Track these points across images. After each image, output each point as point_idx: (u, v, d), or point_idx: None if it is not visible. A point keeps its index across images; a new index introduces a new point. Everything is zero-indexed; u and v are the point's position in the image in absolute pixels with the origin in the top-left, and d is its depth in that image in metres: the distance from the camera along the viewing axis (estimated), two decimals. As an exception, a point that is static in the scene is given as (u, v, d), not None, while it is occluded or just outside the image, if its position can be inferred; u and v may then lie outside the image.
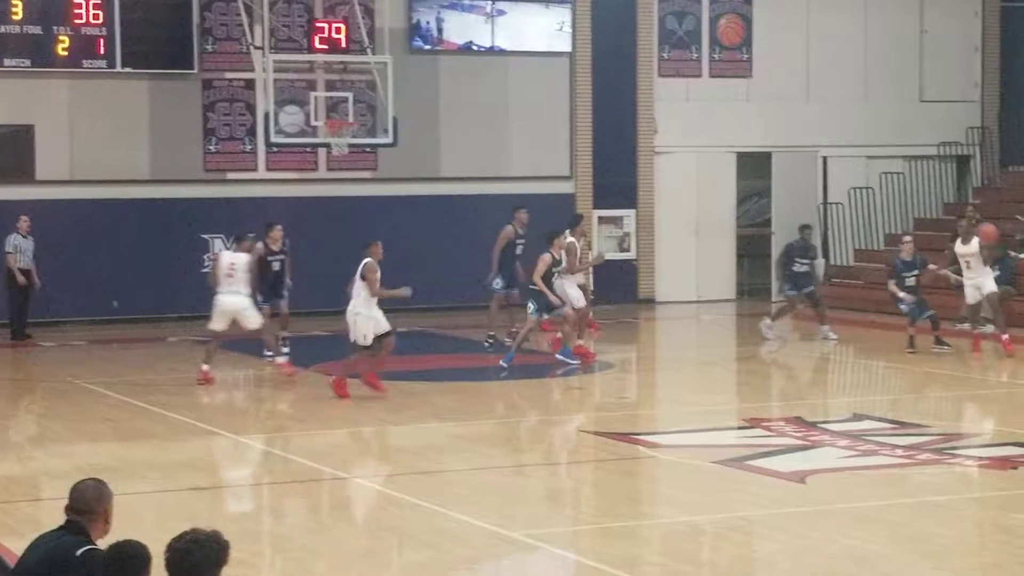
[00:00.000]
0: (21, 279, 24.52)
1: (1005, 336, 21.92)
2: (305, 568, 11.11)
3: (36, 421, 17.90)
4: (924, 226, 30.89)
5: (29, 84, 26.57)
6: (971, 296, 22.28)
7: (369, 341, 18.34)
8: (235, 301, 20.06)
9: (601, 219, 30.20)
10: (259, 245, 21.90)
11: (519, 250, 23.08)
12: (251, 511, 13.23)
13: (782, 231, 31.12)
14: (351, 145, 26.52)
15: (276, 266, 22.23)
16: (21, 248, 24.74)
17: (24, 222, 24.82)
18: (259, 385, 21.08)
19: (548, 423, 17.48)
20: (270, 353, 21.33)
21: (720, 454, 14.85)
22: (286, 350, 21.65)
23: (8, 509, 11.57)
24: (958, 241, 22.86)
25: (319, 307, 26.11)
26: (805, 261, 24.36)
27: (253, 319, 20.22)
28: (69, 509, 7.31)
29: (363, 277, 18.22)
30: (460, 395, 19.42)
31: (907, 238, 23.27)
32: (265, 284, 21.77)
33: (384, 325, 18.36)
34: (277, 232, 22.35)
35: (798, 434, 15.99)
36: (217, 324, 20.11)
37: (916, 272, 22.24)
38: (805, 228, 25.18)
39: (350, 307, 18.42)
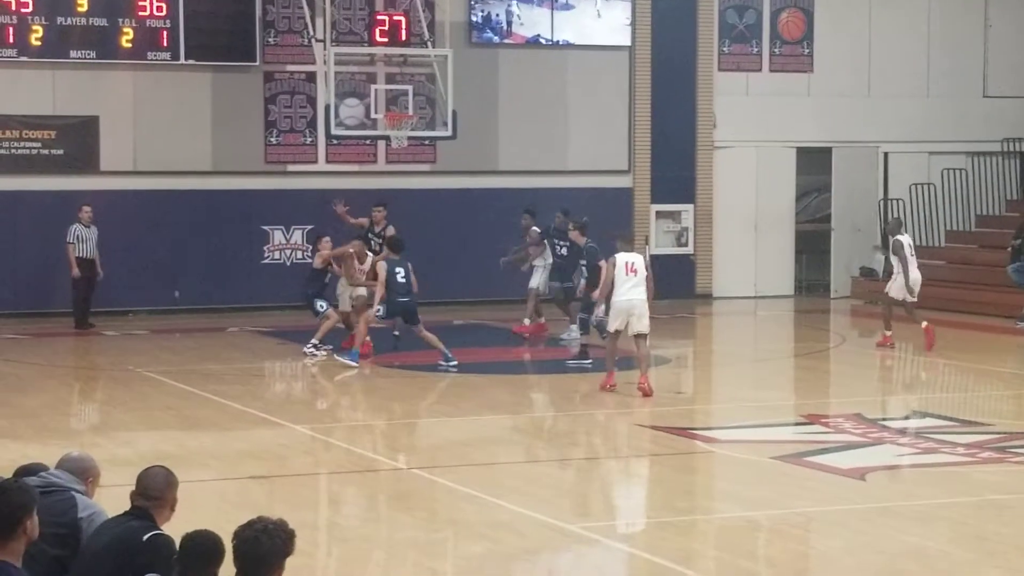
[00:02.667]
0: (75, 271, 24.74)
1: None
2: (362, 558, 11.16)
3: (99, 409, 18.07)
4: (986, 223, 30.73)
5: (94, 76, 26.78)
6: None
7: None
8: None
9: (659, 214, 30.17)
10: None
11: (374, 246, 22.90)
12: (309, 500, 13.29)
13: (841, 227, 31.06)
14: (410, 138, 26.59)
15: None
16: (82, 238, 24.96)
17: (86, 212, 25.05)
18: (318, 375, 21.17)
19: (603, 417, 17.49)
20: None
21: (778, 450, 14.82)
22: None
23: (71, 496, 11.68)
24: None
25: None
26: (565, 243, 23.32)
27: None
28: (137, 495, 7.41)
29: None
30: (515, 388, 19.46)
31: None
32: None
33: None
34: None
35: (857, 431, 15.93)
36: None
37: None
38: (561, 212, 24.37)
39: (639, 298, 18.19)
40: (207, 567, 6.48)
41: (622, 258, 18.27)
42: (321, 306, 21.63)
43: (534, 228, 24.34)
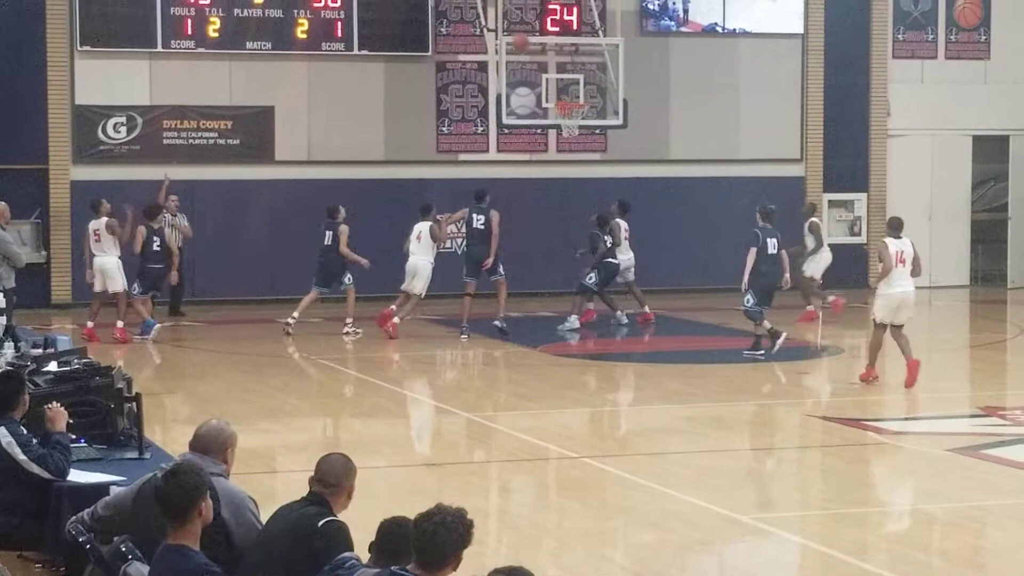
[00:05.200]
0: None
1: None
2: (533, 545, 11.20)
3: (273, 395, 18.33)
4: None
5: (269, 66, 27.20)
6: None
7: None
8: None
9: (831, 203, 29.87)
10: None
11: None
12: (479, 487, 13.37)
13: (1019, 216, 30.50)
14: (581, 127, 26.59)
15: None
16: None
17: (172, 201, 24.68)
18: (488, 364, 21.30)
19: (775, 407, 17.38)
20: None
21: (953, 442, 14.63)
22: None
23: (247, 480, 11.83)
24: None
25: (546, 288, 26.27)
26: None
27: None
28: (315, 481, 7.49)
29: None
30: (687, 377, 19.39)
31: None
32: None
33: None
34: None
35: (1036, 424, 15.66)
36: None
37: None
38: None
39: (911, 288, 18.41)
40: (402, 553, 6.55)
41: (893, 245, 17.96)
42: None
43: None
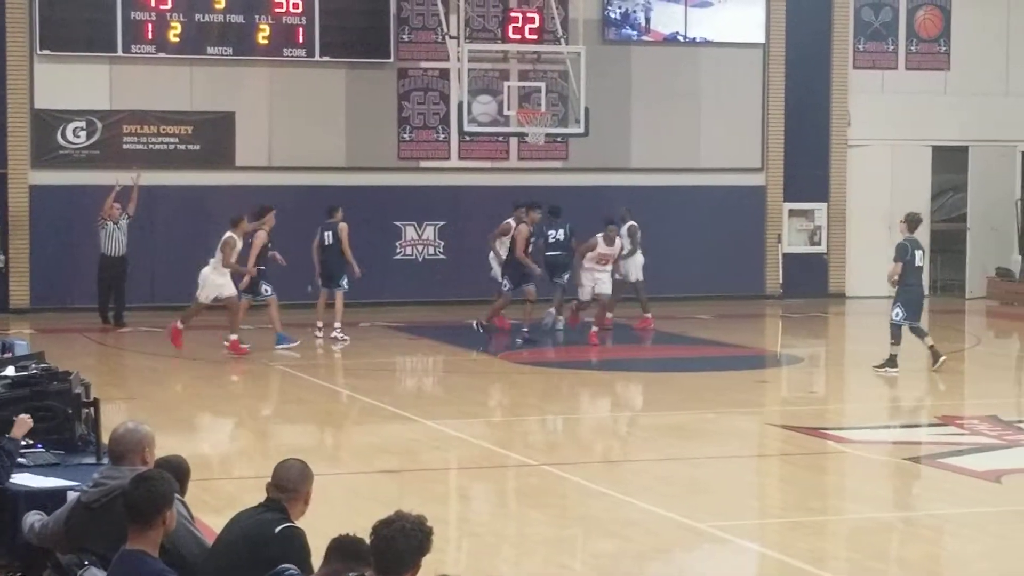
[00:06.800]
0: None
1: None
2: (492, 553, 11.20)
3: (233, 401, 18.28)
4: None
5: (230, 72, 27.14)
6: None
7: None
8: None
9: (792, 212, 29.97)
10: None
11: None
12: (439, 495, 13.36)
13: (977, 227, 30.65)
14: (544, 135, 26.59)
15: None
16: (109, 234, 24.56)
17: (115, 208, 24.45)
18: (449, 371, 21.28)
19: (735, 415, 17.40)
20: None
21: (911, 451, 14.69)
22: None
23: (207, 486, 11.84)
24: None
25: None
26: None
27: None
28: (272, 487, 7.46)
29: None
30: (646, 385, 19.42)
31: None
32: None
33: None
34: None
35: (993, 433, 15.72)
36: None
37: None
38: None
39: None
40: (355, 564, 6.55)
41: None
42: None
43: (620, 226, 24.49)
